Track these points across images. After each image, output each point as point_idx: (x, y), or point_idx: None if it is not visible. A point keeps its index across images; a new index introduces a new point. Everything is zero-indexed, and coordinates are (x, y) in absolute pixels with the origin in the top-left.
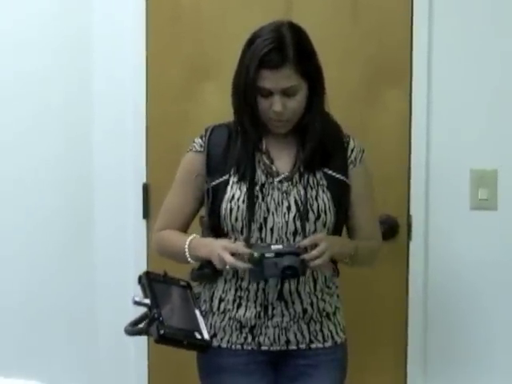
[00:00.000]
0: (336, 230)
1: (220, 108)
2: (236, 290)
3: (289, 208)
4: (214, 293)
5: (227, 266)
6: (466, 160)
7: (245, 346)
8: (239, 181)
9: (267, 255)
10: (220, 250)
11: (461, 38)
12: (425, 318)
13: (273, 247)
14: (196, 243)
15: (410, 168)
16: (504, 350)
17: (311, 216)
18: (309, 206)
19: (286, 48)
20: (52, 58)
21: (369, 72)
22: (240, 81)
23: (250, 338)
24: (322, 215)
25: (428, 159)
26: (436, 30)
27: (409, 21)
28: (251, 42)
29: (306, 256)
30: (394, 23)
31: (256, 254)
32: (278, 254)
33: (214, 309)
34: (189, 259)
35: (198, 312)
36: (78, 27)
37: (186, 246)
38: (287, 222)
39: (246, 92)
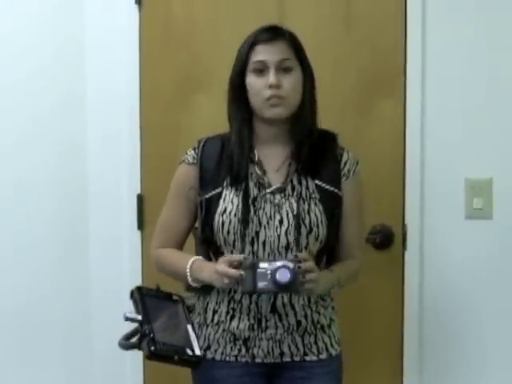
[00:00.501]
0: (328, 243)
1: (213, 118)
2: (229, 302)
3: (281, 222)
4: (207, 304)
5: (225, 281)
6: (460, 169)
7: (239, 358)
8: (232, 190)
9: (261, 265)
10: (217, 265)
11: (455, 47)
12: (420, 327)
13: (268, 258)
14: (197, 267)
15: (404, 177)
16: (499, 360)
17: (303, 230)
18: (301, 220)
19: (280, 28)
20: (45, 67)
21: (362, 81)
22: (234, 68)
23: (243, 350)
24: (315, 229)
25: (423, 168)
26: (429, 39)
27: (402, 29)
28: (245, 39)
29: (302, 266)
30: (388, 32)
31: (248, 261)
32: (272, 265)
33: (208, 321)
34: (190, 282)
35: (190, 327)
36: (70, 37)
37: (188, 270)
38: (279, 236)
39: (237, 75)
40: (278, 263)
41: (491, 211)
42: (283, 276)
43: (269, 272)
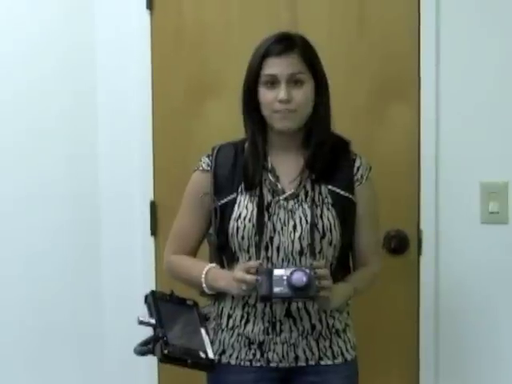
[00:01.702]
0: (343, 249)
1: (224, 125)
2: (243, 307)
3: (294, 227)
4: (222, 309)
5: (243, 288)
6: (476, 173)
7: (253, 363)
8: (246, 196)
9: (276, 271)
10: (235, 273)
11: (469, 50)
12: (436, 332)
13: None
14: (213, 275)
15: (419, 182)
16: None
17: (316, 235)
18: (314, 225)
19: (292, 39)
20: (55, 73)
21: (376, 86)
22: (246, 79)
23: (258, 355)
24: (328, 234)
25: (438, 173)
26: (444, 43)
27: (416, 34)
28: (257, 46)
29: (317, 272)
30: (401, 36)
31: (265, 267)
32: (287, 271)
33: (223, 325)
34: (206, 289)
35: (203, 331)
36: (81, 43)
37: (203, 278)
38: (293, 242)
39: (249, 86)
40: (294, 268)
41: (507, 215)
42: (299, 279)
43: (284, 277)
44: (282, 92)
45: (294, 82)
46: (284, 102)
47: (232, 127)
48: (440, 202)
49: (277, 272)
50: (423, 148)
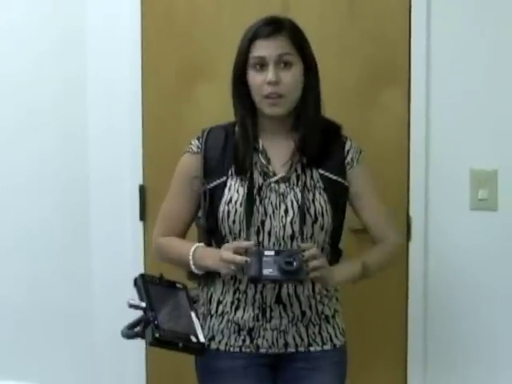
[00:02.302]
0: (334, 233)
1: (215, 109)
2: (234, 293)
3: (286, 211)
4: (211, 295)
5: (232, 267)
6: (465, 160)
7: (243, 349)
8: (237, 180)
9: (266, 252)
10: (221, 251)
11: (460, 36)
12: (425, 318)
13: (273, 248)
14: (201, 254)
15: (409, 168)
16: (506, 349)
17: (308, 219)
18: (306, 210)
19: (281, 22)
20: (45, 57)
21: (367, 71)
22: (235, 62)
23: (248, 341)
24: (320, 218)
25: (427, 159)
26: (434, 28)
27: (407, 19)
28: (246, 29)
29: (305, 254)
30: (392, 21)
31: (255, 248)
32: (278, 253)
33: (212, 311)
34: (193, 269)
35: (193, 315)
36: (71, 27)
37: (191, 256)
38: (284, 226)
39: (238, 69)
40: (285, 257)
41: (496, 202)
42: (290, 267)
43: (274, 259)
44: (270, 73)
45: (282, 63)
46: (272, 83)
47: (223, 111)
48: (429, 189)
49: (267, 253)
50: (413, 134)
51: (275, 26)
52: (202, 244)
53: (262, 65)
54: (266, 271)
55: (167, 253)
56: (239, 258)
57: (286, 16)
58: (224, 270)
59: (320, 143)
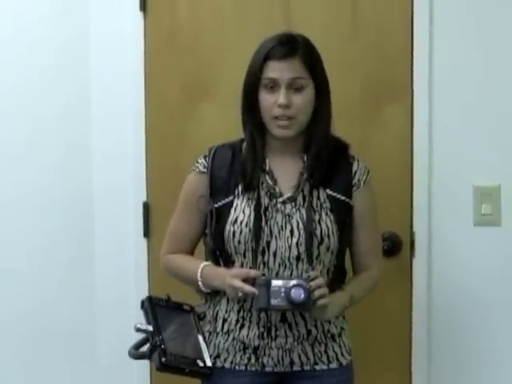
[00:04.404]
0: (340, 254)
1: (219, 126)
2: (239, 311)
3: (292, 232)
4: (217, 313)
5: (239, 294)
6: (468, 176)
7: (248, 367)
8: (243, 199)
9: (274, 282)
10: (229, 278)
11: (462, 51)
12: (429, 335)
13: (281, 276)
14: (208, 273)
15: (412, 184)
16: (508, 359)
17: (314, 241)
18: (312, 231)
19: (295, 42)
20: (48, 75)
21: (369, 87)
22: (246, 80)
23: (253, 359)
24: (326, 239)
25: (430, 175)
26: (437, 44)
27: (409, 34)
28: (259, 46)
29: (312, 284)
30: (394, 37)
31: (263, 279)
32: (286, 283)
33: (218, 329)
34: (202, 288)
35: (200, 338)
36: (75, 44)
37: (199, 275)
38: (290, 247)
39: (249, 87)
40: (293, 282)
41: (500, 218)
42: (297, 295)
43: (283, 290)
44: (281, 96)
45: (294, 86)
46: (283, 106)
47: (226, 129)
48: (433, 204)
49: (275, 283)
50: (416, 150)
51: (289, 47)
52: (209, 263)
53: (274, 86)
54: (274, 301)
55: (176, 270)
56: (248, 289)
57: (298, 33)
58: (231, 294)
59: (328, 163)
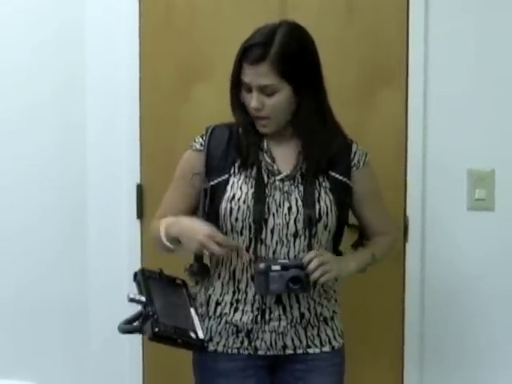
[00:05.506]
0: (337, 233)
1: (213, 109)
2: (234, 293)
3: (290, 209)
4: (210, 296)
5: (205, 251)
6: (462, 160)
7: (241, 351)
8: (240, 177)
9: (273, 267)
10: (203, 238)
11: (457, 38)
12: (422, 319)
13: (279, 261)
14: (173, 221)
15: (406, 169)
16: (503, 350)
17: (313, 218)
18: (311, 208)
19: (270, 45)
20: (43, 58)
21: (364, 72)
22: (231, 75)
23: (246, 343)
24: (324, 217)
25: (424, 160)
26: (432, 30)
27: (405, 20)
28: (243, 42)
29: (310, 266)
30: (390, 23)
31: (262, 266)
32: (284, 268)
33: (211, 313)
34: (163, 239)
35: (193, 311)
36: (70, 27)
37: (165, 222)
38: (288, 224)
39: (232, 85)
40: (291, 272)
41: (493, 202)
42: (296, 282)
43: (281, 275)
44: (253, 100)
45: (264, 92)
46: (255, 109)
47: (220, 111)
48: (426, 189)
49: (274, 268)
50: (410, 135)
51: (261, 50)
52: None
53: (249, 87)
54: (273, 286)
55: (155, 234)
56: (218, 251)
57: (283, 19)
58: (193, 249)
59: (326, 148)
